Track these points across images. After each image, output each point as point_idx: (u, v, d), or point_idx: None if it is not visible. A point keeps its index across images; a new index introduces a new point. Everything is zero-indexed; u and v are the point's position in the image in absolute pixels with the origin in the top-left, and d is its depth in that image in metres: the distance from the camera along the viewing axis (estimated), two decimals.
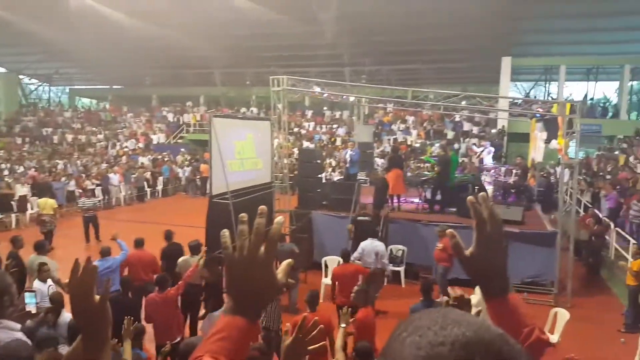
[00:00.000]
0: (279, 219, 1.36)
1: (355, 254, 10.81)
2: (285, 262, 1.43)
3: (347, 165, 16.57)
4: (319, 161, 15.93)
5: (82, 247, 16.79)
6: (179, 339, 7.83)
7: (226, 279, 1.33)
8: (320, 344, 2.41)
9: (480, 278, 1.47)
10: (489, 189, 17.03)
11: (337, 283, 9.67)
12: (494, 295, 1.45)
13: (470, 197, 1.46)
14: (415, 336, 0.86)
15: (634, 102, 35.48)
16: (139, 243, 10.22)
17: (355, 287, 7.62)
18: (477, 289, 1.57)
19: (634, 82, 34.51)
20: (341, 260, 10.40)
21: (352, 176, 16.17)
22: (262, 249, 1.33)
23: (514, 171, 17.79)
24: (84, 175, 26.29)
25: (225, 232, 1.39)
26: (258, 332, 1.53)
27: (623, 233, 14.65)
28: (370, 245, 10.85)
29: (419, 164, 26.66)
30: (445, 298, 1.86)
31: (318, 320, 2.18)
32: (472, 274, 1.48)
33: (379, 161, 26.28)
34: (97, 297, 1.55)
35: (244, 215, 1.36)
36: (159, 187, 28.66)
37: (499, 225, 1.46)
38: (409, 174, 22.07)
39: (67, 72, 46.48)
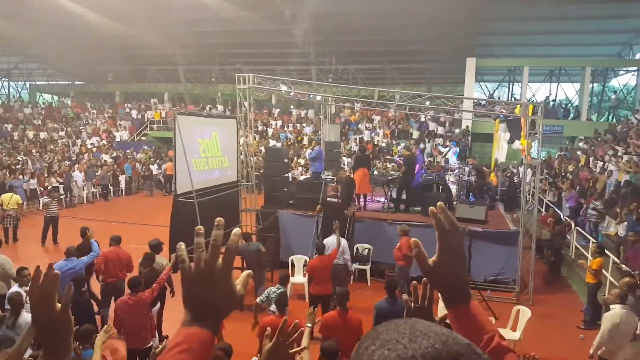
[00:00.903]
0: (235, 230, 1.34)
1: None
2: (244, 273, 1.42)
3: (311, 164, 16.64)
4: (285, 160, 15.86)
5: (41, 247, 16.42)
6: (151, 343, 7.71)
7: (183, 291, 1.30)
8: (302, 347, 2.47)
9: (443, 286, 1.49)
10: (453, 188, 17.25)
11: (311, 275, 10.07)
12: (456, 303, 1.48)
13: (432, 208, 1.49)
14: (383, 349, 0.85)
15: (594, 103, 36.39)
16: (116, 240, 10.15)
17: (337, 289, 7.71)
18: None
19: (595, 84, 35.38)
20: (307, 259, 10.42)
21: (317, 175, 16.19)
22: (220, 260, 1.31)
23: (470, 171, 18.05)
24: (46, 173, 25.72)
25: (181, 245, 1.37)
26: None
27: (583, 232, 15.02)
28: (332, 241, 10.92)
29: (385, 164, 26.87)
30: (405, 296, 1.89)
31: (298, 324, 2.22)
32: (435, 282, 1.51)
33: (346, 160, 26.39)
34: (59, 305, 1.50)
35: (200, 228, 1.34)
36: (122, 185, 28.33)
37: (459, 235, 1.51)
38: (375, 173, 22.21)
39: (28, 67, 45.44)
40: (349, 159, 26.90)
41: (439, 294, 1.54)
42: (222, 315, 1.33)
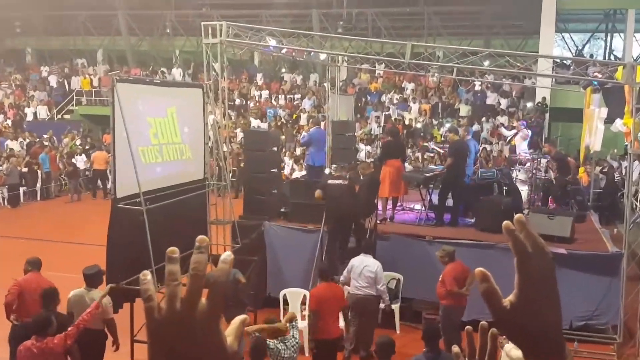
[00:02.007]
0: (226, 255, 1.28)
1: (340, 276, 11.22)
2: (237, 319, 1.36)
3: (307, 153, 16.58)
4: (274, 148, 15.85)
5: None
6: None
7: (149, 344, 1.23)
8: None
9: (525, 338, 1.46)
10: (523, 189, 17.18)
11: (317, 311, 10.10)
12: None
13: (506, 223, 1.41)
14: None
15: None
16: (34, 265, 10.12)
17: (380, 338, 8.02)
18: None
19: None
20: (307, 294, 10.43)
21: (314, 170, 16.12)
22: (204, 300, 1.25)
23: (548, 165, 17.99)
24: None
25: (147, 276, 1.27)
26: None
27: None
28: (361, 264, 10.98)
29: (421, 154, 26.81)
30: (456, 349, 1.86)
31: None
32: (512, 333, 1.46)
33: (365, 148, 26.37)
34: None
35: (173, 250, 1.26)
36: (38, 185, 28.27)
37: (548, 263, 1.43)
38: (406, 166, 22.17)
39: None
40: (369, 147, 26.88)
41: (515, 351, 1.51)
42: None
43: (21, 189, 27.19)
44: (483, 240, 12.94)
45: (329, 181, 13.24)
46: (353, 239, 13.24)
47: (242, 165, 24.44)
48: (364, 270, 11.14)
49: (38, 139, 32.48)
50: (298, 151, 28.09)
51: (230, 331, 1.31)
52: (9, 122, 35.96)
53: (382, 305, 12.07)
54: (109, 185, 29.62)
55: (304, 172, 20.98)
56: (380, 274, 11.39)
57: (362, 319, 11.03)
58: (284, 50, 16.97)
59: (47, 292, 8.49)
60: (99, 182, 29.04)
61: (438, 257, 11.49)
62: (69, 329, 7.95)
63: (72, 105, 38.34)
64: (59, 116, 37.66)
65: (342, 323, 11.04)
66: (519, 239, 1.40)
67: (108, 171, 27.70)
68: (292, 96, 36.37)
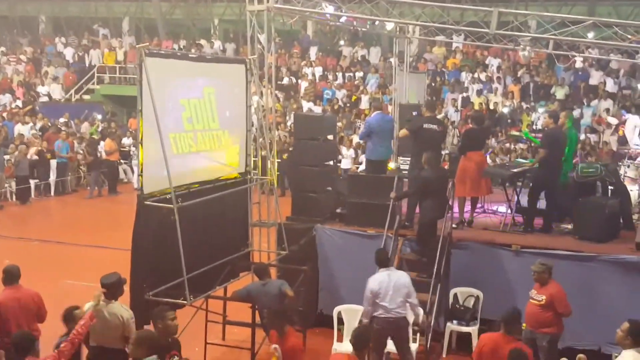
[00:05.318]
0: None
1: (365, 304, 11.12)
2: None
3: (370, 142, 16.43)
4: (330, 137, 15.83)
5: None
6: None
7: None
8: None
9: None
10: (633, 189, 16.93)
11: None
12: None
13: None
14: None
15: None
16: (11, 276, 10.19)
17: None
18: None
19: None
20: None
21: (375, 165, 16.01)
22: None
23: None
24: None
25: None
26: None
27: None
28: (389, 281, 10.96)
29: (507, 144, 26.59)
30: None
31: None
32: None
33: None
34: None
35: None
36: (52, 177, 28.67)
37: None
38: (488, 161, 21.99)
39: None
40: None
41: None
42: None
43: (32, 182, 27.57)
44: (583, 251, 12.74)
45: (425, 125, 13.43)
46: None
47: (285, 156, 24.61)
48: (395, 285, 10.97)
49: (52, 124, 32.57)
50: (356, 140, 28.03)
51: None
52: (19, 103, 36.30)
53: (422, 319, 11.94)
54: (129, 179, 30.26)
55: (364, 166, 20.91)
56: (410, 287, 11.28)
57: (397, 344, 11.06)
58: (343, 19, 16.96)
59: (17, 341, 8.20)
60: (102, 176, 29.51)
61: (534, 272, 11.14)
62: (62, 345, 8.02)
63: (93, 84, 38.73)
64: (77, 96, 38.10)
65: None
66: None
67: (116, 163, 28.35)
68: (351, 74, 36.27)
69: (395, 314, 10.81)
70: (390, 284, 10.89)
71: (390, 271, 11.12)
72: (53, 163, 28.74)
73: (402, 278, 11.11)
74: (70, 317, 9.09)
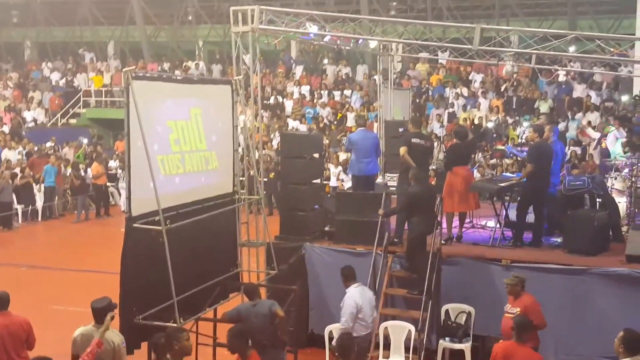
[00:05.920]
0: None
1: (344, 319, 11.10)
2: None
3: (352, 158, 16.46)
4: (316, 155, 15.83)
5: None
6: None
7: None
8: None
9: None
10: (620, 201, 16.94)
11: None
12: None
13: None
14: None
15: None
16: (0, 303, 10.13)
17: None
18: None
19: None
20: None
21: (360, 180, 16.02)
22: None
23: None
24: None
25: None
26: None
27: None
28: (364, 296, 11.18)
29: (493, 159, 26.62)
30: None
31: None
32: None
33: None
34: None
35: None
36: (39, 202, 28.63)
37: None
38: (476, 174, 22.00)
39: None
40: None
41: None
42: None
43: (19, 207, 27.44)
44: (573, 264, 12.75)
45: (413, 140, 13.58)
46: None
47: (271, 175, 24.63)
48: (370, 300, 11.33)
49: (38, 149, 32.64)
50: (343, 157, 28.04)
51: None
52: (5, 128, 36.22)
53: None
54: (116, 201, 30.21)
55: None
56: (371, 301, 11.63)
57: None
58: (326, 38, 16.98)
59: None
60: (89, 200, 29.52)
61: (507, 284, 11.01)
62: None
63: (79, 108, 38.72)
64: (64, 120, 38.02)
65: None
66: None
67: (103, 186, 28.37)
68: (337, 92, 36.35)
69: (370, 329, 11.09)
70: (366, 299, 11.08)
71: (361, 286, 11.30)
72: (39, 189, 28.68)
73: (369, 292, 11.52)
74: None
